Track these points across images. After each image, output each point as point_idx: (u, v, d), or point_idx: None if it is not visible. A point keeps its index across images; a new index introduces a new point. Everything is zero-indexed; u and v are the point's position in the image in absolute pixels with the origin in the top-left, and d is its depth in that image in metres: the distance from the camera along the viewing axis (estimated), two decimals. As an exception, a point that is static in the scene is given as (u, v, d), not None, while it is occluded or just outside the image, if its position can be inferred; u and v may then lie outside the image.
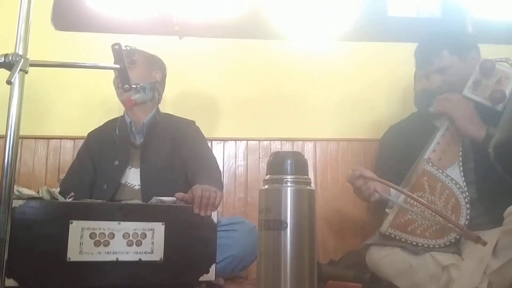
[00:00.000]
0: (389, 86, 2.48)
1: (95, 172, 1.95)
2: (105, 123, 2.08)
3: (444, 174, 1.63)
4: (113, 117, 2.08)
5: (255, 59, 2.47)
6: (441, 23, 2.60)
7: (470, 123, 1.64)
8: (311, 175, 2.28)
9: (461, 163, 1.66)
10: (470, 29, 2.50)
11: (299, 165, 0.92)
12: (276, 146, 2.41)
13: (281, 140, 2.42)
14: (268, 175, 0.92)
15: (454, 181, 1.62)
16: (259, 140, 2.41)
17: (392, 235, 1.58)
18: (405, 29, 2.53)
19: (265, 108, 2.43)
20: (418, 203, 1.57)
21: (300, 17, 2.50)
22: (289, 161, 0.90)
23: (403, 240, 1.56)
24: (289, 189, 0.88)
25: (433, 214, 1.55)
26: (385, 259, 1.63)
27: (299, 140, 2.42)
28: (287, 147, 2.41)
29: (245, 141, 2.40)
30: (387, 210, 1.65)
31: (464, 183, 1.62)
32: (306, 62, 2.47)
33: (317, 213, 0.91)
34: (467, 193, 1.60)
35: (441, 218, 1.54)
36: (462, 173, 1.64)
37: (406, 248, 1.56)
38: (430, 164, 1.65)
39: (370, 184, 1.65)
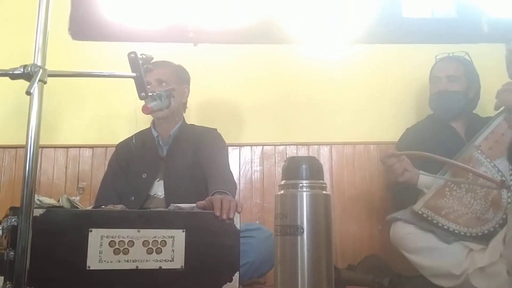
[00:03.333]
0: (404, 89, 2.46)
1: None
2: (133, 135, 2.08)
3: (491, 164, 1.60)
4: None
5: (269, 64, 2.47)
6: (456, 23, 2.57)
7: None
8: (327, 179, 2.28)
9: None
10: (485, 28, 2.47)
11: (315, 170, 0.92)
12: (291, 151, 2.41)
13: (296, 144, 2.42)
14: (284, 181, 0.92)
15: (500, 173, 1.58)
16: (275, 145, 2.41)
17: (425, 215, 1.56)
18: (420, 31, 2.51)
19: (280, 112, 2.43)
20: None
21: (314, 21, 2.50)
22: (304, 166, 0.90)
23: (434, 221, 1.54)
24: (304, 194, 0.88)
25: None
26: (410, 235, 1.63)
27: (315, 145, 2.42)
28: (302, 151, 2.40)
29: (261, 146, 2.41)
30: (425, 190, 1.63)
31: (511, 177, 1.59)
32: (320, 66, 2.46)
33: (334, 217, 0.91)
34: (511, 188, 1.57)
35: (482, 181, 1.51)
36: (510, 166, 1.61)
37: (438, 235, 1.55)
38: (479, 151, 1.62)
39: (401, 164, 1.64)
